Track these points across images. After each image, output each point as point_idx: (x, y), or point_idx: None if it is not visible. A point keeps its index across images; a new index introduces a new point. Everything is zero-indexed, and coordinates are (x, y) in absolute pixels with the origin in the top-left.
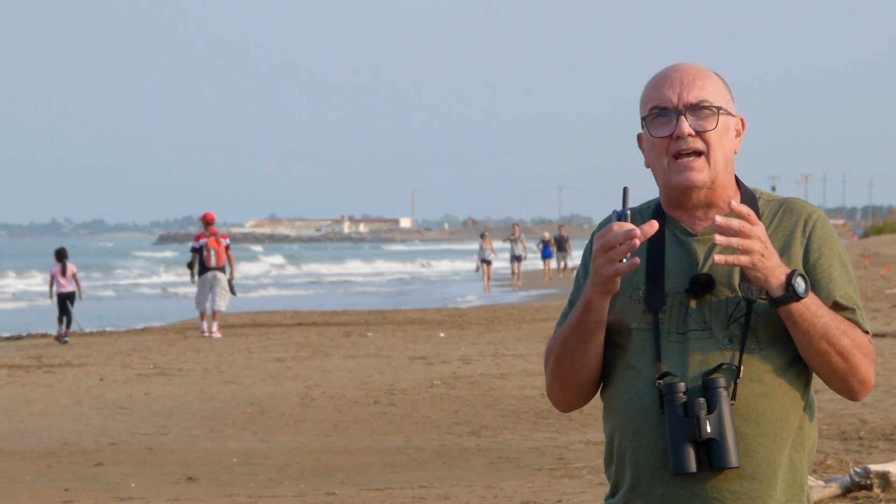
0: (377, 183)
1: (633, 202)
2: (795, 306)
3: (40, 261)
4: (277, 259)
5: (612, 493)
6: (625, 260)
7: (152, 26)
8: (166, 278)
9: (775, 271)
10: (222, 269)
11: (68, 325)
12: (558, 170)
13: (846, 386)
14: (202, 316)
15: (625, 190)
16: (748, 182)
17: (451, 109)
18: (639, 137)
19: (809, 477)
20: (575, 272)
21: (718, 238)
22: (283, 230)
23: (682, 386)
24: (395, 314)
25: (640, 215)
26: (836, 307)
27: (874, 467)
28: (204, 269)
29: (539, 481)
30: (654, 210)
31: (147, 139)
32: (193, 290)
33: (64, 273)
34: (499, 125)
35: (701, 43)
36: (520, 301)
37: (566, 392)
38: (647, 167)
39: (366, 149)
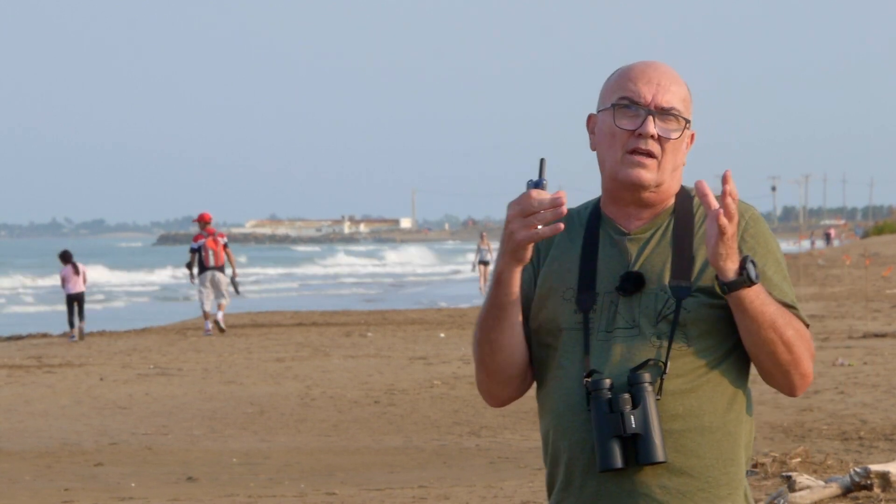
0: (377, 183)
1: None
2: (747, 292)
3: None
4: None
5: (549, 493)
6: (543, 227)
7: (152, 26)
8: (166, 278)
9: (733, 256)
10: (221, 269)
11: (81, 322)
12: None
13: (787, 379)
14: (205, 315)
15: (541, 161)
16: (749, 182)
17: (452, 109)
18: (590, 118)
19: (809, 476)
20: None
21: (713, 201)
22: (283, 230)
23: (607, 382)
24: (395, 314)
25: (577, 215)
26: None
27: (874, 467)
28: (203, 268)
29: (539, 481)
30: (592, 211)
31: (147, 139)
32: (193, 290)
33: (77, 273)
34: (499, 125)
35: (701, 42)
36: None
37: (490, 380)
38: (593, 150)
39: (366, 149)
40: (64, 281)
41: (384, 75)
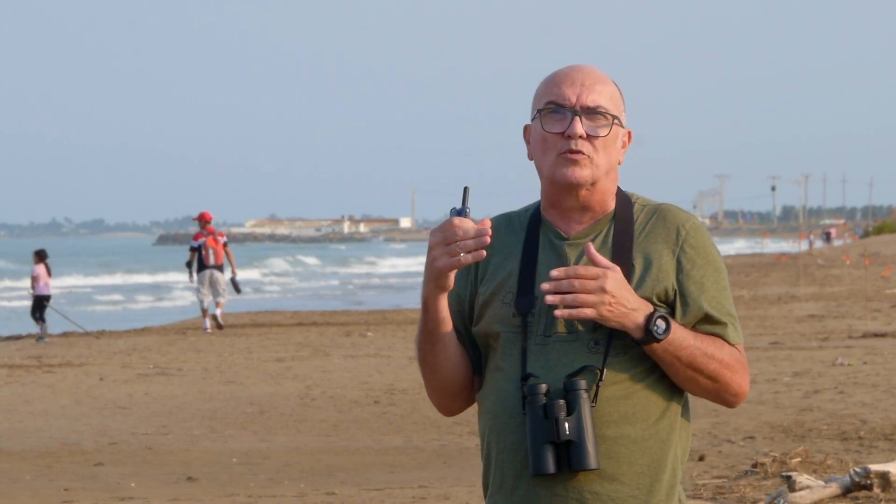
0: (377, 183)
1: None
2: (656, 346)
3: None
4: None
5: (484, 493)
6: (464, 255)
7: (152, 26)
8: (167, 278)
9: (630, 316)
10: (221, 268)
11: (43, 323)
12: None
13: (719, 398)
14: (204, 313)
15: (465, 189)
16: (749, 182)
17: (452, 109)
18: (526, 128)
19: (809, 476)
20: None
21: (549, 298)
22: (283, 230)
23: (543, 388)
24: (395, 314)
25: (517, 218)
26: (707, 319)
27: (874, 467)
28: (203, 267)
29: None
30: (533, 214)
31: (147, 139)
32: (193, 290)
33: (49, 274)
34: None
35: (701, 41)
36: None
37: (437, 395)
38: (531, 159)
39: (366, 148)
40: (35, 280)
41: (384, 75)
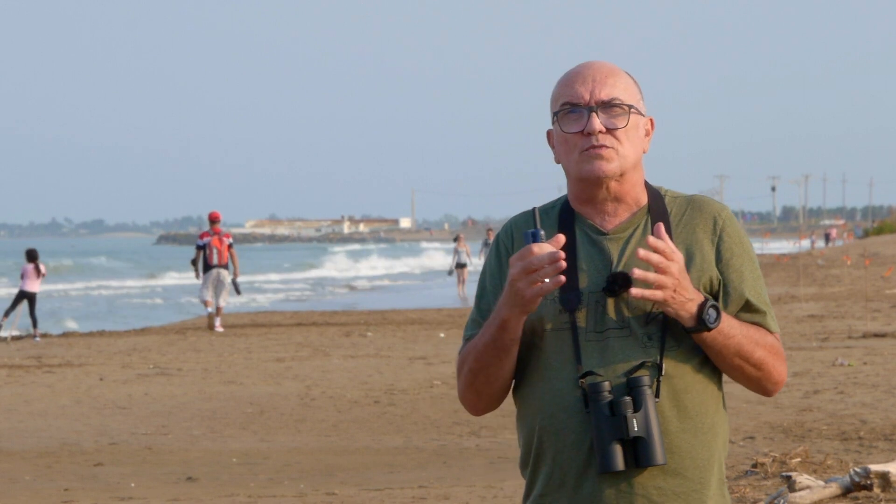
0: (377, 183)
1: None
2: (706, 335)
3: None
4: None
5: (528, 494)
6: (547, 280)
7: (152, 26)
8: (166, 278)
9: (686, 305)
10: (225, 267)
11: (35, 325)
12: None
13: (760, 387)
14: (206, 304)
15: (534, 210)
16: (749, 182)
17: (452, 108)
18: (549, 134)
19: (809, 476)
20: None
21: (637, 271)
22: (283, 230)
23: (606, 385)
24: (394, 314)
25: (545, 215)
26: (748, 307)
27: (874, 467)
28: (207, 266)
29: None
30: (562, 208)
31: (147, 139)
32: (193, 290)
33: (38, 275)
34: (499, 124)
35: (701, 41)
36: None
37: (481, 400)
38: (557, 163)
39: (365, 148)
40: (22, 276)
41: (384, 75)
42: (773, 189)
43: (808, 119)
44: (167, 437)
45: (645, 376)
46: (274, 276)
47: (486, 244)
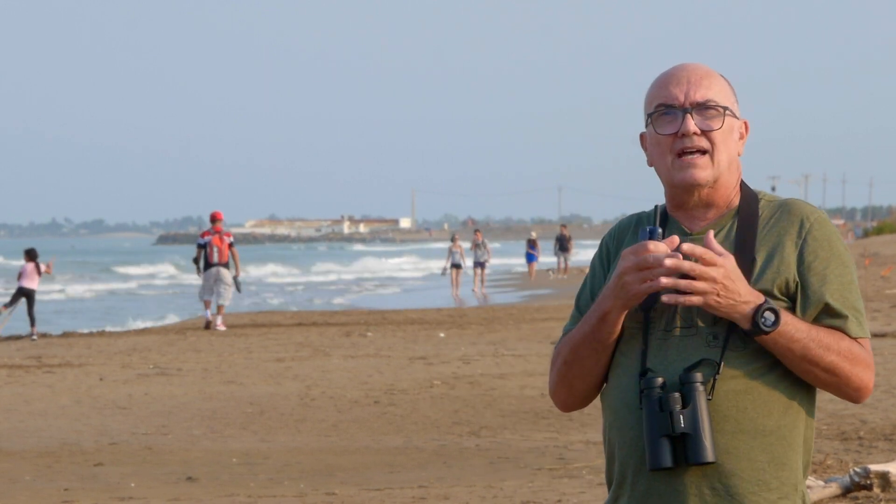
0: (377, 183)
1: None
2: (766, 338)
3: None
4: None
5: (608, 488)
6: (663, 280)
7: (152, 26)
8: (166, 278)
9: (738, 307)
10: (225, 266)
11: (33, 324)
12: (558, 170)
13: (841, 393)
14: (206, 304)
15: (656, 208)
16: (749, 180)
17: (451, 108)
18: (642, 136)
19: (809, 476)
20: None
21: (664, 281)
22: (283, 230)
23: (659, 381)
24: (394, 314)
25: (646, 218)
26: (828, 311)
27: (874, 467)
28: (208, 265)
29: (539, 481)
30: (660, 214)
31: (147, 138)
32: (193, 290)
33: (39, 273)
34: (499, 124)
35: (701, 41)
36: (520, 301)
37: (571, 395)
38: (650, 165)
39: (365, 148)
40: (21, 275)
41: (384, 75)
42: (773, 189)
43: (808, 119)
44: (167, 437)
45: (698, 374)
46: (277, 274)
47: (475, 245)
